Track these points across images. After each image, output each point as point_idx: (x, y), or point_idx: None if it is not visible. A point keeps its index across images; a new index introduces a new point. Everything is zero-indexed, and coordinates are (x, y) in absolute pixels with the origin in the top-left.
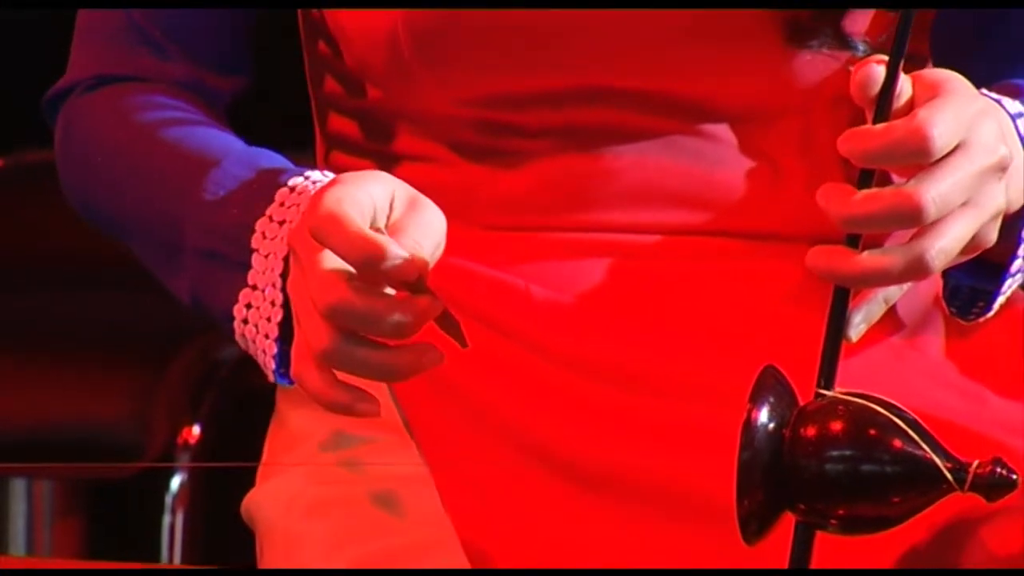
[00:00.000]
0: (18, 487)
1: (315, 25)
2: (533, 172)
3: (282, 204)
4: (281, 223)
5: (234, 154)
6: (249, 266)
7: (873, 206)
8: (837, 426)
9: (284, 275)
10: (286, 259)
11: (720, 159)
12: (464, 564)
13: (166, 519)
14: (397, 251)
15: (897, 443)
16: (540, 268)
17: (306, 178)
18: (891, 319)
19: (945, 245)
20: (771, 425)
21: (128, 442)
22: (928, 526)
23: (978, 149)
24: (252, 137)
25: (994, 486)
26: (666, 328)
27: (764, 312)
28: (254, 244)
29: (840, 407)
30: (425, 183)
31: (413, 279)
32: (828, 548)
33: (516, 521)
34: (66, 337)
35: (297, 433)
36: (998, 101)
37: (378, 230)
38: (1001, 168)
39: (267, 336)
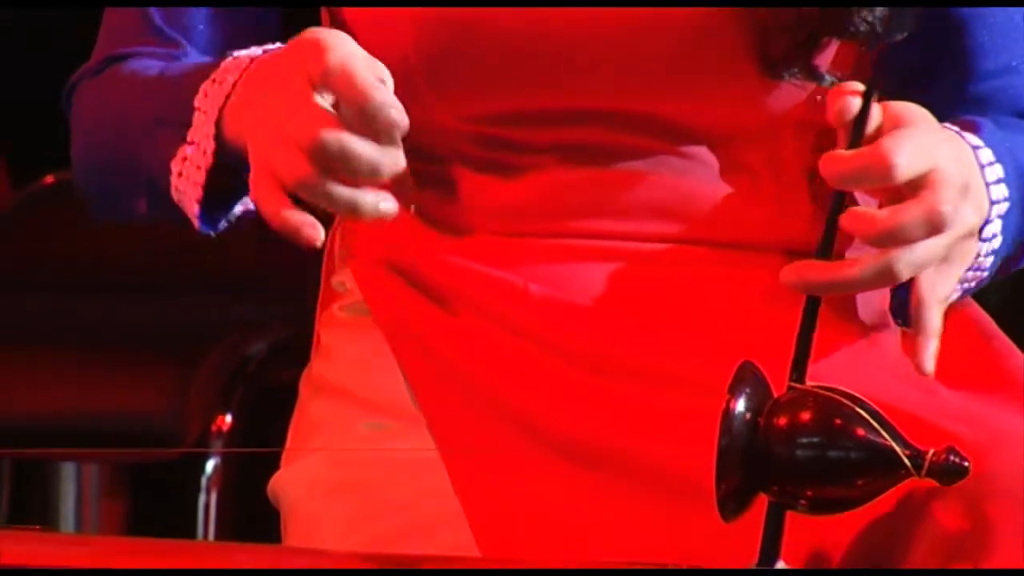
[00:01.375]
0: (68, 470)
1: None
2: (531, 184)
3: (225, 69)
4: (220, 83)
5: (196, 60)
6: (190, 124)
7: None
8: (807, 416)
9: (218, 123)
10: (220, 110)
11: (701, 175)
12: (471, 541)
13: (201, 499)
14: (395, 100)
15: (861, 432)
16: (537, 269)
17: (250, 52)
18: (854, 322)
19: (914, 258)
20: (747, 415)
21: (167, 430)
22: (882, 509)
23: (943, 177)
24: None
25: (948, 472)
26: (652, 324)
27: (741, 312)
28: (196, 103)
29: (810, 399)
30: (430, 192)
31: (399, 129)
32: (793, 523)
33: (519, 499)
34: (112, 337)
35: (318, 421)
36: (959, 133)
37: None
38: (965, 189)
39: (196, 184)
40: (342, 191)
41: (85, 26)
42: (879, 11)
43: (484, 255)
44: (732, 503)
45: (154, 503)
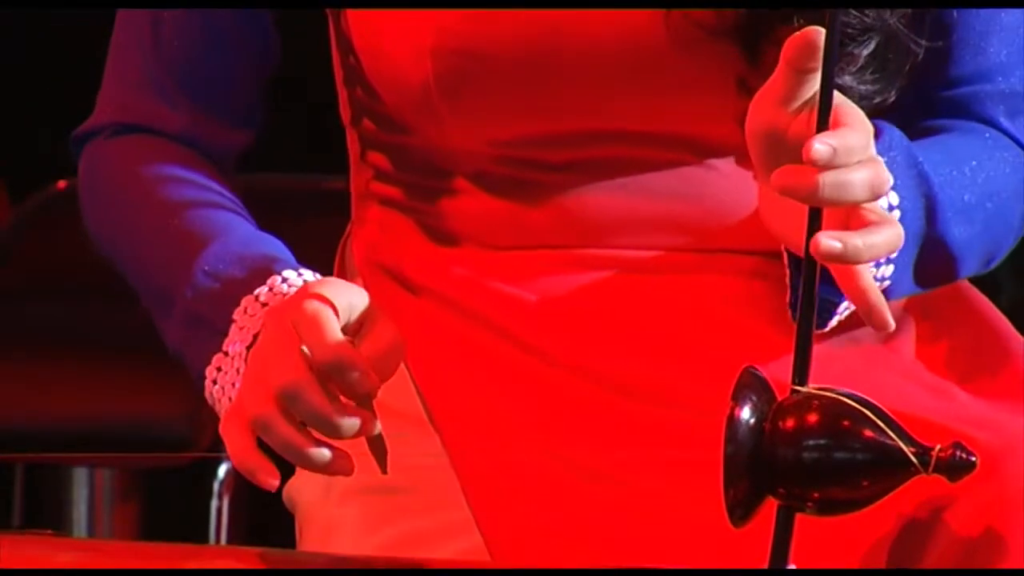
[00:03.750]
0: (81, 475)
1: (353, 71)
2: (548, 202)
3: (271, 289)
4: (264, 305)
5: (237, 233)
6: (226, 333)
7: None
8: (812, 418)
9: (250, 348)
10: (256, 335)
11: (720, 187)
12: (481, 546)
13: (214, 504)
14: (361, 366)
15: (866, 432)
16: (548, 283)
17: (299, 274)
18: (868, 327)
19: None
20: (752, 420)
21: (180, 435)
22: (896, 514)
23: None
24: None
25: (955, 468)
26: (660, 338)
27: (757, 325)
28: (235, 316)
29: (814, 401)
30: (450, 210)
31: (366, 395)
32: (809, 530)
33: (528, 506)
34: (126, 342)
35: None
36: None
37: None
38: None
39: (231, 399)
40: (294, 442)
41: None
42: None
43: (499, 270)
44: (741, 509)
45: (167, 508)
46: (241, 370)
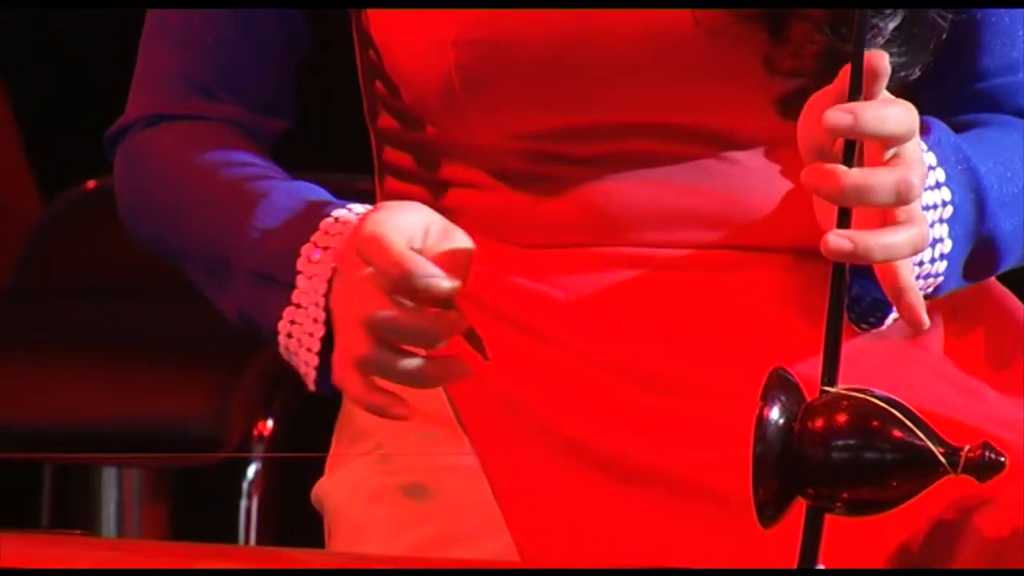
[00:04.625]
0: (110, 475)
1: (372, 67)
2: (572, 197)
3: (326, 232)
4: (324, 249)
5: (281, 187)
6: (294, 286)
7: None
8: (841, 419)
9: (327, 295)
10: (329, 281)
11: (746, 181)
12: (511, 547)
13: (243, 504)
14: (432, 270)
15: (895, 432)
16: (576, 280)
17: (349, 209)
18: (897, 325)
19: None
20: (781, 420)
21: (209, 435)
22: (927, 516)
23: (914, 154)
24: (312, 163)
25: (984, 468)
26: (691, 335)
27: (784, 320)
28: (299, 267)
29: (843, 402)
30: (471, 207)
31: (444, 296)
32: (839, 531)
33: (557, 507)
34: (155, 342)
35: (362, 428)
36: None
37: (415, 251)
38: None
39: (309, 349)
40: (405, 366)
41: (113, 35)
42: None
43: (522, 268)
44: (770, 509)
45: (195, 508)
46: (319, 319)
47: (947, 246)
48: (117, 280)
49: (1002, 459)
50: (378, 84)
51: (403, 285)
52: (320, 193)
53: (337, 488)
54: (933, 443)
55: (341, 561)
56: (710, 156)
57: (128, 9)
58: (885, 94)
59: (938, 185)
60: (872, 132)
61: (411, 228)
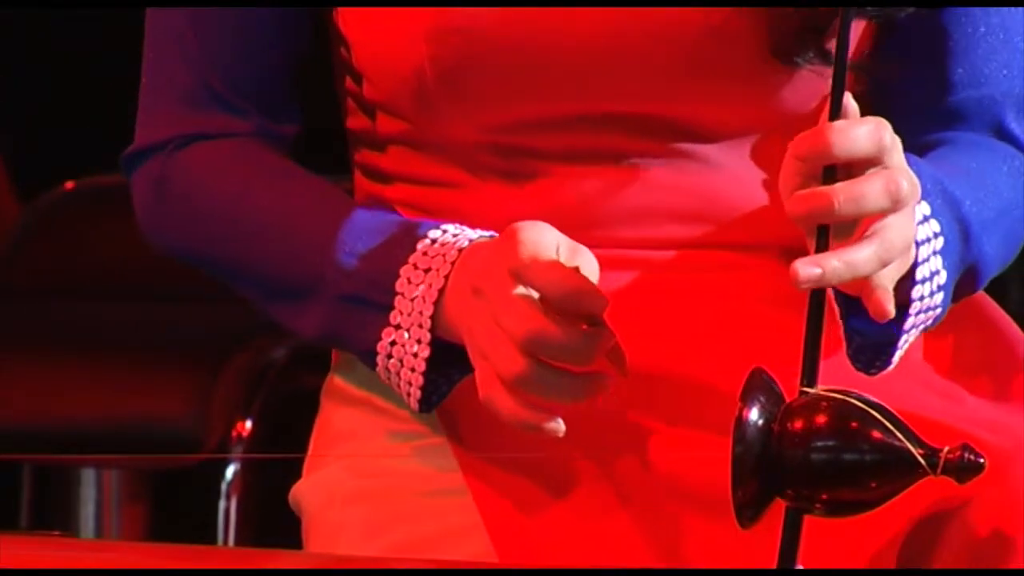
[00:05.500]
0: (88, 476)
1: (344, 64)
2: (547, 193)
3: (425, 253)
4: (425, 271)
5: (357, 210)
6: (392, 308)
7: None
8: (820, 420)
9: (433, 317)
10: (436, 304)
11: (722, 176)
12: (489, 549)
13: (221, 505)
14: (593, 287)
15: (875, 433)
16: None
17: (444, 231)
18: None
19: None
20: (760, 421)
21: (187, 436)
22: (906, 517)
23: (896, 163)
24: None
25: (963, 469)
26: (671, 334)
27: (764, 318)
28: (398, 288)
29: (822, 403)
30: (445, 206)
31: (599, 313)
32: (817, 531)
33: (538, 509)
34: (133, 342)
35: (340, 430)
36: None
37: None
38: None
39: (413, 370)
40: (561, 383)
41: (92, 37)
42: None
43: None
44: (749, 510)
45: (174, 509)
46: (424, 340)
47: (943, 278)
48: (95, 282)
49: (981, 460)
50: (350, 82)
51: (566, 303)
52: (397, 214)
53: (315, 490)
54: (913, 444)
55: (319, 562)
56: (687, 150)
57: (109, 10)
58: (855, 111)
59: (926, 219)
60: (846, 153)
61: (553, 247)
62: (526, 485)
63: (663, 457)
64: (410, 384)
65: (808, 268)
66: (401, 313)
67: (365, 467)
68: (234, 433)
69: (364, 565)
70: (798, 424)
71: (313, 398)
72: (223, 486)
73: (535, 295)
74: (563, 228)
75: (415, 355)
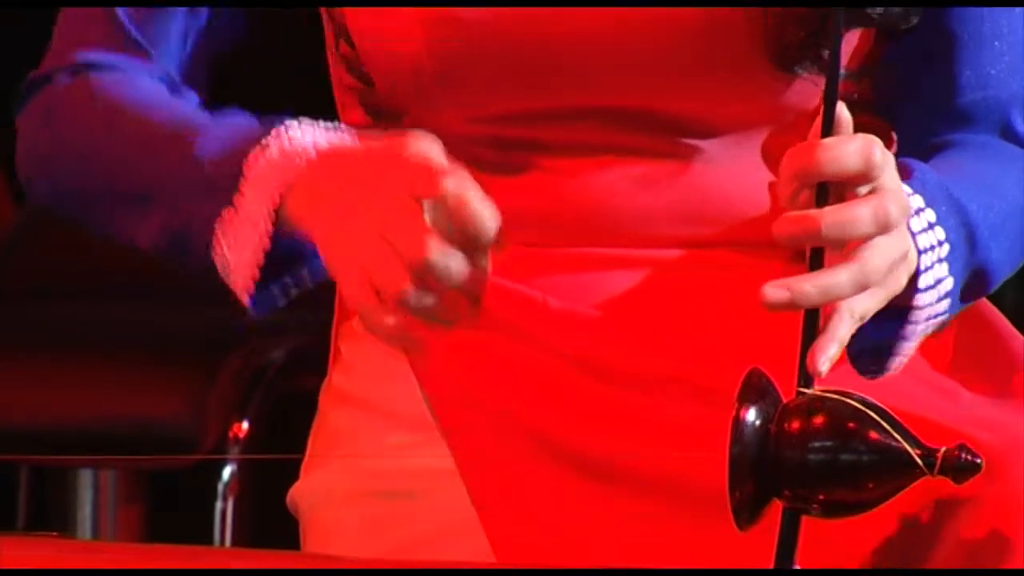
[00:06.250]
0: (85, 477)
1: (345, 59)
2: (544, 187)
3: (278, 138)
4: (278, 152)
5: (223, 116)
6: (237, 191)
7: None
8: (817, 420)
9: (276, 211)
10: (282, 194)
11: (719, 174)
12: (487, 549)
13: (218, 505)
14: (490, 208)
15: (872, 434)
16: (554, 280)
17: (300, 121)
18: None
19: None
20: (757, 422)
21: (184, 436)
22: (903, 517)
23: (890, 185)
24: None
25: (960, 469)
26: (671, 334)
27: (762, 318)
28: (244, 170)
29: (819, 403)
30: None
31: (490, 236)
32: (815, 531)
33: (535, 509)
34: (130, 343)
35: (338, 431)
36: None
37: None
38: (905, 211)
39: (250, 265)
40: (432, 307)
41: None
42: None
43: (501, 267)
44: (746, 511)
45: (171, 509)
46: (266, 231)
47: (948, 284)
48: (91, 282)
49: (978, 460)
50: (349, 77)
51: (462, 235)
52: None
53: (312, 491)
54: (909, 444)
55: (316, 563)
56: (685, 145)
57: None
58: (848, 123)
59: (931, 226)
60: (834, 171)
61: (444, 161)
62: (525, 485)
63: (663, 457)
64: (248, 279)
65: (776, 292)
66: (246, 199)
67: (363, 468)
68: (231, 434)
69: (362, 566)
70: (795, 425)
71: (310, 399)
72: (220, 487)
73: (427, 216)
74: (560, 222)
75: (253, 247)
